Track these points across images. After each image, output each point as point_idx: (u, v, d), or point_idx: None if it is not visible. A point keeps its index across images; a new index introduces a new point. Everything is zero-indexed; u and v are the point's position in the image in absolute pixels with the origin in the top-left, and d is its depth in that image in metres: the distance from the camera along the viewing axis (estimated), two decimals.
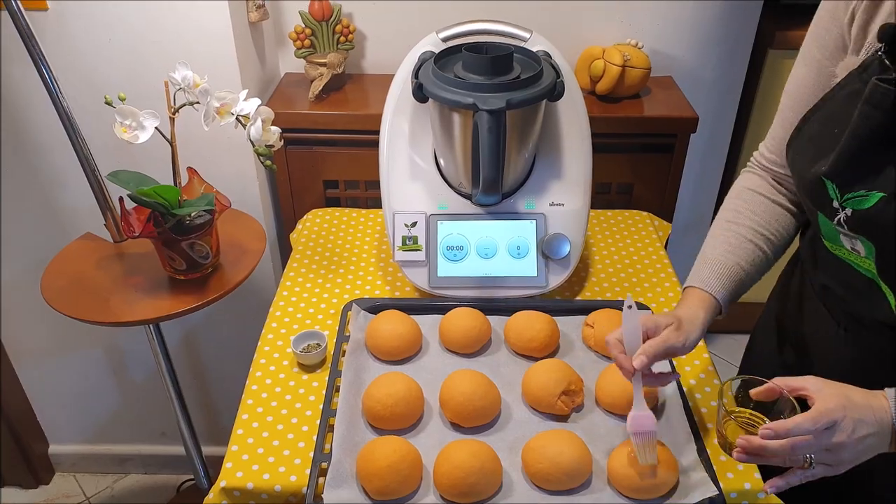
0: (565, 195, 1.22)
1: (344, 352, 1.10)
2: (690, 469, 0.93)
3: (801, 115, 0.89)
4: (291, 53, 1.55)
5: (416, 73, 1.13)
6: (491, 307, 1.17)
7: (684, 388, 1.04)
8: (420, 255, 1.20)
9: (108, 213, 1.33)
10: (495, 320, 1.16)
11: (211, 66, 1.36)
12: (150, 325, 1.37)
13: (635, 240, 1.41)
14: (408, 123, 1.22)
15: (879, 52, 0.77)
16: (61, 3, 1.32)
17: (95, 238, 1.38)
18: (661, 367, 0.94)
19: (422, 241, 1.21)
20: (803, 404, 0.79)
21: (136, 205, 1.19)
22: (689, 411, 1.00)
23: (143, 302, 1.22)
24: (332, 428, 0.98)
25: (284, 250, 1.74)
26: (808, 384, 0.79)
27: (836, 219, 0.83)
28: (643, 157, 1.57)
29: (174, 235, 1.20)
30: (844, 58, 0.85)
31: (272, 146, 1.17)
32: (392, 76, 1.23)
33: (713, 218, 1.04)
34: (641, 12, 1.57)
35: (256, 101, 1.14)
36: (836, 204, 0.82)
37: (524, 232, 1.21)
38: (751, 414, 0.87)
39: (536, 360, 1.08)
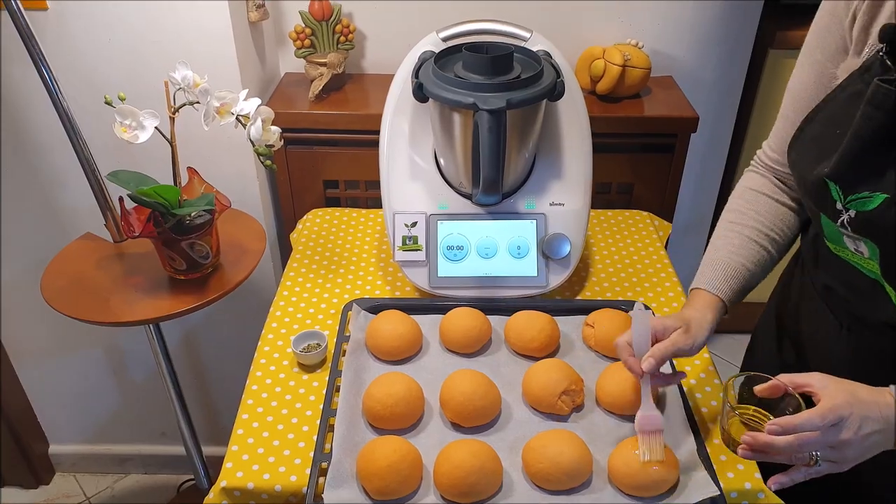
0: (565, 195, 1.22)
1: (344, 352, 1.10)
2: (691, 468, 0.93)
3: (802, 114, 0.89)
4: (291, 53, 1.55)
5: (416, 73, 1.13)
6: (491, 307, 1.17)
7: (684, 388, 1.04)
8: (420, 255, 1.20)
9: (108, 213, 1.33)
10: (495, 320, 1.16)
11: (211, 65, 1.36)
12: (150, 325, 1.37)
13: (636, 240, 1.41)
14: (408, 123, 1.22)
15: (881, 53, 0.77)
16: (61, 2, 1.32)
17: (95, 238, 1.38)
18: (664, 366, 0.95)
19: (422, 241, 1.20)
20: (807, 402, 0.79)
21: (136, 205, 1.19)
22: (689, 411, 1.00)
23: (143, 302, 1.22)
24: (332, 428, 0.98)
25: (284, 250, 1.74)
26: (813, 381, 0.79)
27: (839, 220, 0.83)
28: (643, 156, 1.57)
29: (174, 235, 1.20)
30: (846, 58, 0.85)
31: (272, 146, 1.17)
32: (392, 76, 1.23)
33: (713, 218, 1.05)
34: (642, 12, 1.57)
35: (256, 101, 1.14)
36: (839, 206, 0.82)
37: (524, 232, 1.21)
38: (755, 411, 0.87)
39: (537, 359, 1.08)
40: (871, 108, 0.76)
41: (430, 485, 0.92)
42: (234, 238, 1.35)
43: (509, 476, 0.93)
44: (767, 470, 0.93)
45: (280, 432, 1.01)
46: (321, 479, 0.91)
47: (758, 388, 0.84)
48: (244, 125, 1.14)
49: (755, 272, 0.96)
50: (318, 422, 1.01)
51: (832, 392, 0.77)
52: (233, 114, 1.14)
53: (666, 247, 1.43)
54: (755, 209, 0.99)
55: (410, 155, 1.23)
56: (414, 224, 1.21)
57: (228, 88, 1.14)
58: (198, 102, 1.12)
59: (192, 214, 1.21)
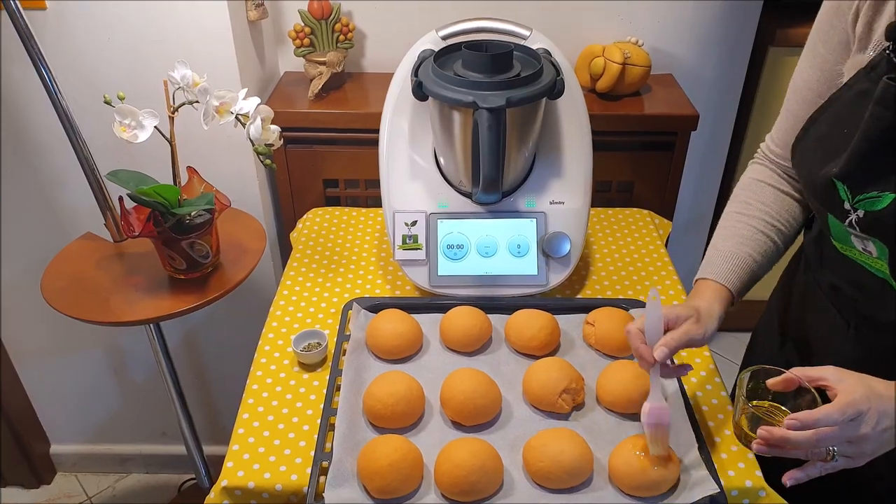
0: (566, 193, 1.22)
1: (344, 351, 1.10)
2: (691, 467, 0.92)
3: (805, 109, 0.89)
4: (291, 52, 1.55)
5: (415, 72, 1.13)
6: (491, 306, 1.17)
7: (685, 386, 1.04)
8: (420, 254, 1.20)
9: (108, 213, 1.33)
10: (496, 319, 1.16)
11: (210, 65, 1.36)
12: (151, 325, 1.37)
13: (636, 238, 1.41)
14: (408, 122, 1.22)
15: (887, 51, 0.77)
16: (60, 2, 1.32)
17: (95, 238, 1.38)
18: None
19: (422, 240, 1.20)
20: (821, 396, 0.78)
21: (135, 204, 1.19)
22: (690, 409, 1.00)
23: (144, 302, 1.22)
24: (332, 427, 0.98)
25: (284, 249, 1.74)
26: (828, 374, 0.78)
27: (847, 220, 0.82)
28: (644, 155, 1.56)
29: (174, 235, 1.19)
30: (849, 55, 0.85)
31: (272, 145, 1.17)
32: (392, 75, 1.23)
33: (714, 216, 1.04)
34: (642, 10, 1.57)
35: (256, 100, 1.14)
36: (847, 206, 0.81)
37: (524, 230, 1.21)
38: (769, 405, 0.85)
39: (537, 358, 1.08)
40: (880, 108, 0.75)
41: (430, 484, 0.92)
42: (234, 237, 1.35)
43: (510, 475, 0.93)
44: (767, 467, 0.93)
45: (281, 431, 1.01)
46: (322, 479, 0.91)
47: (771, 382, 0.82)
48: (244, 124, 1.14)
49: (762, 263, 0.96)
50: (319, 421, 1.01)
51: (850, 386, 0.75)
52: (232, 113, 1.13)
53: (666, 245, 1.43)
54: (761, 200, 0.99)
55: (410, 154, 1.23)
56: (414, 223, 1.21)
57: (228, 87, 1.14)
58: (197, 102, 1.12)
59: (192, 214, 1.21)
